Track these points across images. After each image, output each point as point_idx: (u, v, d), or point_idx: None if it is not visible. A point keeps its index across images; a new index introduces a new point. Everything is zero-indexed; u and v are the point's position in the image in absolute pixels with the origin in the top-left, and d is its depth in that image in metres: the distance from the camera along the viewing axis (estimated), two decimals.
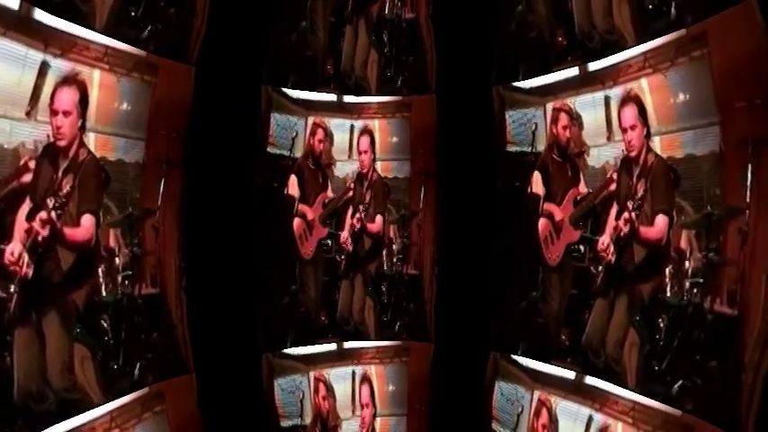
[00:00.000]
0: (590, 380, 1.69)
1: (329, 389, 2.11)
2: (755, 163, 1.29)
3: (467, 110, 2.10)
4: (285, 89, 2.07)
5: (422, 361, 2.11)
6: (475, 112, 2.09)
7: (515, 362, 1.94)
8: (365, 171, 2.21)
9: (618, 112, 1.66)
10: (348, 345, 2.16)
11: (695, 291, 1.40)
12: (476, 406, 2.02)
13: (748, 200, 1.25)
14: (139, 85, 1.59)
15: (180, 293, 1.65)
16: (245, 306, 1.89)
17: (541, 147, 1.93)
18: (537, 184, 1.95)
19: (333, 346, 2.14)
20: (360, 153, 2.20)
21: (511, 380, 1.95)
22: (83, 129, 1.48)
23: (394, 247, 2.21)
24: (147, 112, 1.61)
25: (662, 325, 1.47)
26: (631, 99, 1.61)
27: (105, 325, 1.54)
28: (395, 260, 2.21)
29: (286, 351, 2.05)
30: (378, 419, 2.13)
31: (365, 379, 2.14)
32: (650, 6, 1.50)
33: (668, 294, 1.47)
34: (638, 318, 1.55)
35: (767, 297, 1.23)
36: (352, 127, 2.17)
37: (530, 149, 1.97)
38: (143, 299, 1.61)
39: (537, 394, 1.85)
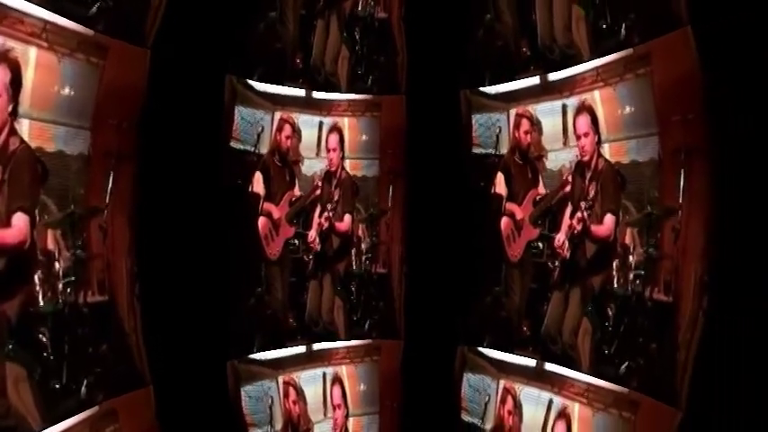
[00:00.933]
0: (549, 366, 1.83)
1: (299, 392, 2.06)
2: (687, 169, 1.47)
3: (435, 111, 2.14)
4: (251, 81, 1.97)
5: (392, 358, 2.14)
6: (443, 114, 2.14)
7: (482, 354, 2.03)
8: (334, 169, 2.17)
9: (573, 120, 1.82)
10: (318, 346, 2.12)
11: (637, 282, 1.57)
12: (446, 399, 2.07)
13: (681, 201, 1.43)
14: (85, 68, 1.38)
15: (132, 300, 1.47)
16: (206, 311, 1.77)
17: (504, 149, 2.05)
18: (500, 185, 2.06)
19: (302, 349, 2.09)
20: (328, 151, 2.16)
21: (478, 371, 2.04)
22: (14, 114, 1.27)
23: (363, 246, 2.19)
24: (94, 99, 1.40)
25: (610, 313, 1.64)
26: (585, 109, 1.77)
27: (44, 339, 1.33)
28: (364, 259, 2.19)
29: (252, 356, 1.97)
30: (350, 420, 2.12)
31: (336, 380, 2.12)
32: (603, 26, 1.66)
33: (615, 286, 1.64)
34: (589, 308, 1.71)
35: (696, 286, 1.41)
36: (320, 124, 2.13)
37: (494, 152, 2.08)
38: (89, 307, 1.40)
39: (502, 383, 1.96)
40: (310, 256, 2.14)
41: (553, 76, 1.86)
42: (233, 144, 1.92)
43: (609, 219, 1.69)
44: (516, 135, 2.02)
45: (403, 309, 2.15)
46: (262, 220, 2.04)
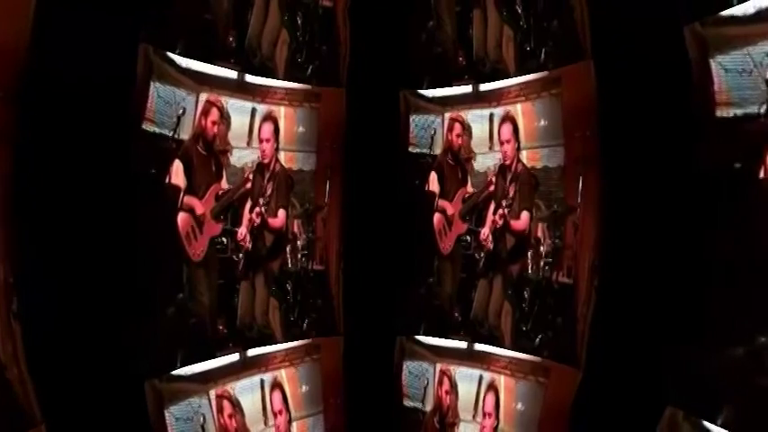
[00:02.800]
0: (478, 346, 2.04)
1: (235, 404, 1.87)
2: (584, 176, 1.81)
3: (375, 108, 2.16)
4: (171, 55, 1.68)
5: (333, 356, 2.10)
6: (382, 112, 2.17)
7: (419, 341, 2.15)
8: (267, 161, 2.01)
9: (498, 128, 2.05)
10: (253, 352, 1.96)
11: (546, 268, 1.87)
12: (387, 388, 2.14)
13: (579, 201, 1.75)
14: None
15: (9, 318, 1.25)
16: (116, 326, 1.48)
17: (438, 150, 2.19)
18: (433, 183, 2.19)
19: (235, 357, 1.91)
20: (261, 141, 1.98)
21: (416, 358, 2.15)
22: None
23: (298, 242, 2.09)
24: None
25: (526, 296, 1.92)
26: (508, 119, 2.02)
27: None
28: (299, 257, 2.10)
29: (176, 372, 1.71)
30: (294, 424, 2.02)
31: (276, 385, 2.00)
32: (528, 49, 1.93)
33: (529, 272, 1.92)
34: (509, 292, 1.98)
35: (589, 270, 1.75)
36: (253, 111, 1.94)
37: (428, 152, 2.20)
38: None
39: (438, 366, 2.10)
40: (240, 256, 1.96)
41: (484, 87, 2.06)
42: (146, 126, 1.64)
43: (525, 215, 1.96)
44: (449, 137, 2.16)
45: (341, 305, 2.13)
46: (182, 217, 1.79)
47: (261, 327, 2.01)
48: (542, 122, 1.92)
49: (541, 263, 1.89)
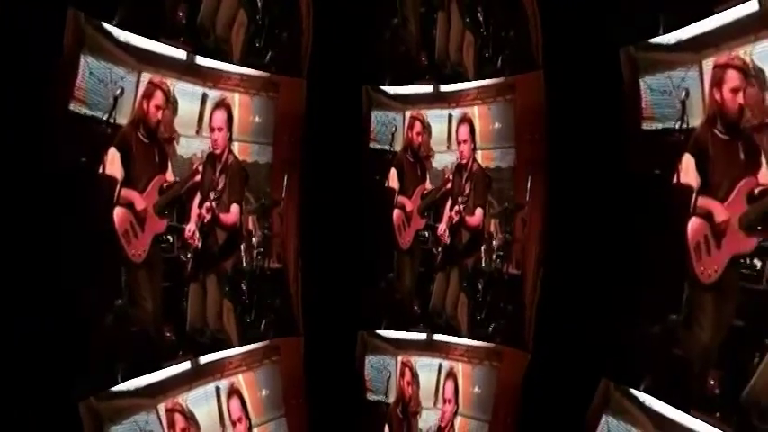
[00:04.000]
0: (437, 337, 2.13)
1: (189, 417, 1.74)
2: (532, 176, 1.94)
3: (335, 102, 2.12)
4: (108, 26, 1.47)
5: (293, 356, 2.05)
6: (343, 106, 2.14)
7: (380, 336, 2.18)
8: (219, 152, 1.87)
9: (456, 128, 2.14)
10: (206, 359, 1.83)
11: (498, 260, 2.01)
12: (350, 384, 2.14)
13: (527, 199, 1.89)
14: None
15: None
16: (43, 338, 1.29)
17: (398, 147, 2.22)
18: (393, 180, 2.22)
19: (186, 366, 1.76)
20: (213, 130, 1.85)
21: (378, 352, 2.19)
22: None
23: (254, 240, 1.99)
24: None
25: (480, 287, 2.03)
26: (466, 120, 2.12)
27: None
28: (255, 254, 2.00)
29: (117, 388, 1.52)
30: (255, 430, 1.93)
31: (233, 392, 1.89)
32: (486, 55, 2.03)
33: (483, 264, 2.04)
34: (465, 284, 2.08)
35: (536, 262, 1.91)
36: (204, 96, 1.80)
37: (389, 148, 2.21)
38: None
39: (400, 358, 2.16)
40: (188, 255, 1.80)
41: (444, 88, 2.12)
42: (74, 108, 1.42)
43: (479, 211, 2.08)
44: (409, 135, 2.21)
45: (300, 304, 2.08)
46: (120, 212, 1.59)
47: (214, 331, 1.89)
48: (497, 125, 2.04)
49: (493, 256, 2.03)
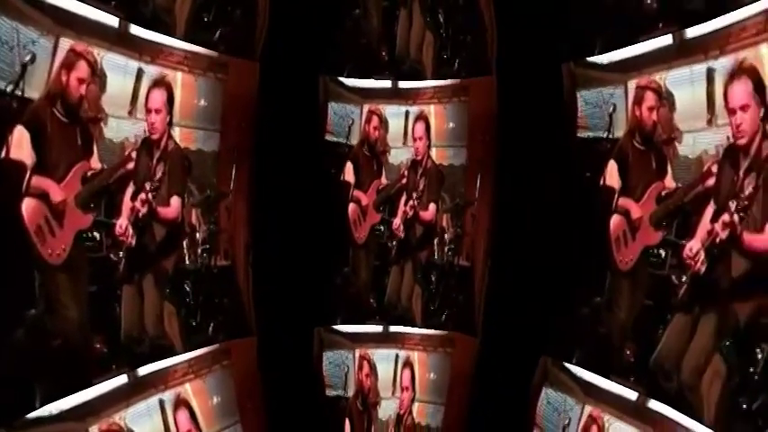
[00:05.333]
0: (393, 328, 2.18)
1: None
2: (482, 174, 2.04)
3: (291, 90, 2.02)
4: None
5: (246, 358, 1.93)
6: (299, 95, 2.06)
7: (337, 331, 2.18)
8: (156, 137, 1.66)
9: (413, 125, 2.18)
10: (146, 370, 1.64)
11: (450, 253, 2.10)
12: (308, 382, 2.11)
13: (477, 196, 2.05)
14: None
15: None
16: None
17: (355, 141, 2.20)
18: (349, 173, 2.21)
19: (123, 379, 1.56)
20: (149, 111, 1.62)
21: (335, 347, 2.18)
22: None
23: (197, 235, 1.82)
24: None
25: (433, 278, 2.12)
26: (422, 118, 2.16)
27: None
28: (200, 251, 1.83)
29: (35, 414, 1.29)
30: None
31: (180, 403, 1.73)
32: (445, 56, 2.09)
33: (436, 257, 2.13)
34: (419, 276, 2.16)
35: (484, 254, 2.04)
36: (139, 72, 1.56)
37: (345, 141, 2.19)
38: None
39: (357, 352, 2.18)
40: (120, 254, 1.59)
41: (402, 84, 2.16)
42: None
43: (432, 207, 2.16)
44: (367, 129, 2.21)
45: (252, 302, 1.97)
46: (30, 204, 1.33)
47: (154, 338, 1.69)
48: (451, 125, 2.13)
49: (446, 249, 2.13)
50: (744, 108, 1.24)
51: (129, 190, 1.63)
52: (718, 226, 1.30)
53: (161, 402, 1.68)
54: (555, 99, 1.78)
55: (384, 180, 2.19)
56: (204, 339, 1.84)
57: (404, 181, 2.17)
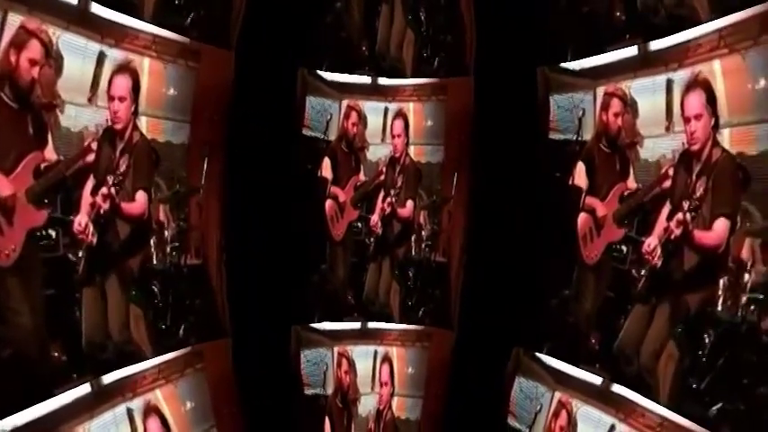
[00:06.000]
0: (372, 324, 2.18)
1: None
2: (458, 172, 2.13)
3: (267, 80, 1.94)
4: None
5: (220, 361, 1.85)
6: (276, 89, 1.99)
7: (314, 329, 2.15)
8: (120, 128, 1.54)
9: (391, 122, 2.19)
10: (111, 378, 1.53)
11: (427, 250, 2.14)
12: (285, 381, 2.06)
13: (453, 193, 2.04)
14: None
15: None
16: None
17: (333, 136, 2.17)
18: (326, 169, 2.17)
19: (85, 389, 1.45)
20: (111, 99, 1.50)
21: (313, 345, 2.16)
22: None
23: (167, 233, 1.72)
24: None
25: (410, 274, 2.16)
26: (401, 115, 2.18)
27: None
28: (169, 250, 1.73)
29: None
30: None
31: (150, 410, 1.64)
32: (424, 55, 2.10)
33: (413, 254, 2.17)
34: (396, 272, 2.18)
35: (460, 250, 2.11)
36: (101, 55, 1.44)
37: (323, 136, 2.15)
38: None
39: (336, 350, 2.16)
40: (80, 254, 1.47)
41: (382, 81, 2.16)
42: None
43: (410, 204, 2.19)
44: (345, 125, 2.18)
45: (226, 302, 1.90)
46: None
47: (120, 343, 1.59)
48: (429, 123, 2.16)
49: (423, 245, 2.16)
50: (697, 117, 1.37)
51: (89, 184, 1.50)
52: (672, 224, 1.42)
53: (129, 411, 1.58)
54: (529, 102, 1.86)
55: (362, 176, 2.18)
56: (175, 342, 1.75)
57: (382, 178, 2.18)
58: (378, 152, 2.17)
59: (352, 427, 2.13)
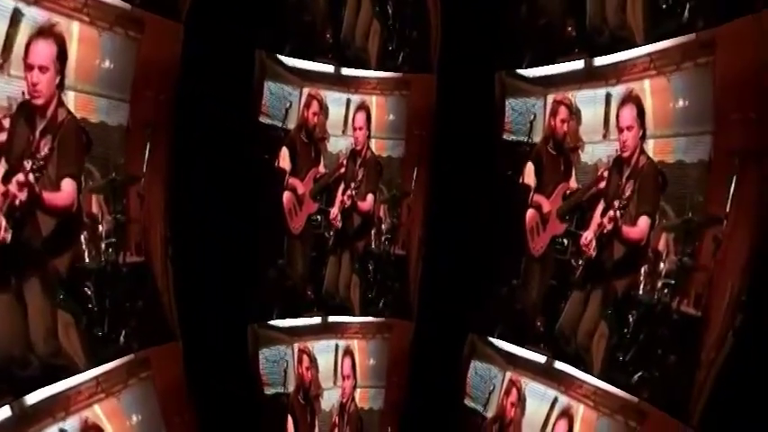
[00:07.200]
0: (332, 318, 2.17)
1: None
2: (418, 167, 2.12)
3: (223, 62, 1.79)
4: None
5: (170, 366, 1.71)
6: (232, 68, 1.84)
7: (273, 326, 2.08)
8: (41, 103, 1.30)
9: (353, 114, 2.17)
10: (37, 397, 1.35)
11: (386, 243, 2.18)
12: (243, 381, 1.98)
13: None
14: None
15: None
16: None
17: (291, 125, 2.08)
18: (284, 160, 2.08)
19: (5, 412, 1.28)
20: (30, 69, 1.26)
21: (272, 344, 2.09)
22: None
23: (101, 228, 1.53)
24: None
25: (371, 268, 2.19)
26: (364, 107, 2.16)
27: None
28: (104, 247, 1.54)
29: None
30: None
31: (88, 430, 1.46)
32: (389, 48, 2.06)
33: (373, 247, 2.19)
34: (357, 265, 2.17)
35: (418, 243, 2.13)
36: (16, 15, 1.20)
37: (281, 125, 2.06)
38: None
39: (297, 344, 2.11)
40: None
41: (345, 71, 2.10)
42: None
43: (370, 197, 2.19)
44: (305, 114, 2.11)
45: (174, 302, 1.74)
46: None
47: (46, 356, 1.38)
48: (391, 117, 2.16)
49: (382, 238, 2.18)
50: (629, 128, 1.57)
51: (1, 170, 1.27)
52: (605, 220, 1.63)
53: (84, 420, 1.41)
54: (487, 103, 1.96)
55: (322, 168, 2.13)
56: (115, 351, 1.56)
57: (342, 170, 2.14)
58: (338, 144, 2.13)
59: (315, 423, 2.12)
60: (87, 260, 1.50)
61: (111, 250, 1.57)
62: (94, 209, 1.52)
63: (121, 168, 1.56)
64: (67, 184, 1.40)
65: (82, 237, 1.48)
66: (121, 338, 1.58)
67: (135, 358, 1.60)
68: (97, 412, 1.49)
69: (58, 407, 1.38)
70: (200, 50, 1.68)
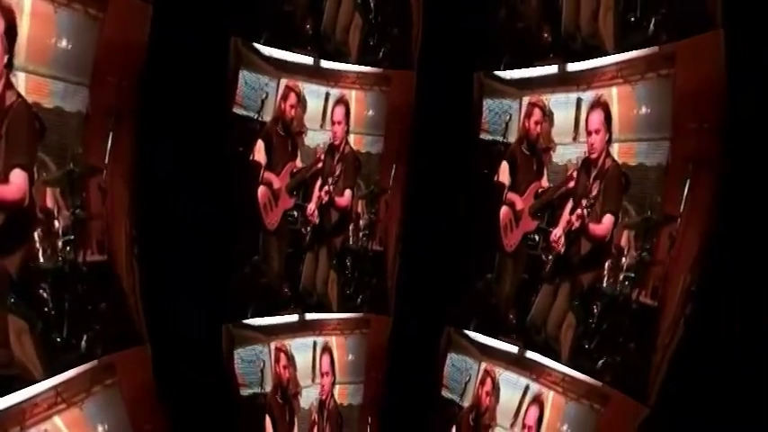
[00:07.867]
0: (309, 316, 2.14)
1: None
2: (396, 164, 2.13)
3: (198, 50, 1.70)
4: None
5: (136, 372, 1.62)
6: (206, 56, 1.75)
7: (248, 325, 2.04)
8: None
9: (332, 108, 2.13)
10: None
11: (364, 239, 2.18)
12: (218, 385, 1.93)
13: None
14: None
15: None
16: None
17: (268, 117, 2.02)
18: (259, 153, 2.02)
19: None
20: None
21: (247, 343, 2.04)
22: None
23: (56, 224, 1.41)
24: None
25: (348, 264, 2.19)
26: (343, 102, 2.14)
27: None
28: (61, 245, 1.43)
29: None
30: None
31: None
32: (370, 43, 2.04)
33: (351, 243, 2.18)
34: (334, 262, 2.19)
35: (396, 239, 2.14)
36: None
37: (256, 117, 1.99)
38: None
39: (273, 345, 2.08)
40: None
41: (325, 64, 2.07)
42: None
43: (348, 193, 2.19)
44: (282, 106, 2.05)
45: (141, 303, 1.64)
46: None
47: (10, 363, 1.28)
48: (370, 113, 2.14)
49: (360, 234, 2.18)
50: (597, 132, 1.68)
51: None
52: (573, 218, 1.74)
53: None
54: (465, 102, 2.00)
55: (299, 163, 2.08)
56: (76, 358, 1.45)
57: (320, 165, 2.11)
58: (316, 138, 2.09)
59: (295, 422, 2.10)
60: (42, 260, 1.39)
61: (69, 248, 1.44)
62: (49, 203, 1.39)
63: (80, 159, 1.44)
64: (17, 176, 1.28)
65: (35, 234, 1.36)
66: (83, 344, 1.47)
67: (99, 365, 1.50)
68: (58, 424, 1.38)
69: (11, 421, 1.27)
70: (171, 34, 1.56)
